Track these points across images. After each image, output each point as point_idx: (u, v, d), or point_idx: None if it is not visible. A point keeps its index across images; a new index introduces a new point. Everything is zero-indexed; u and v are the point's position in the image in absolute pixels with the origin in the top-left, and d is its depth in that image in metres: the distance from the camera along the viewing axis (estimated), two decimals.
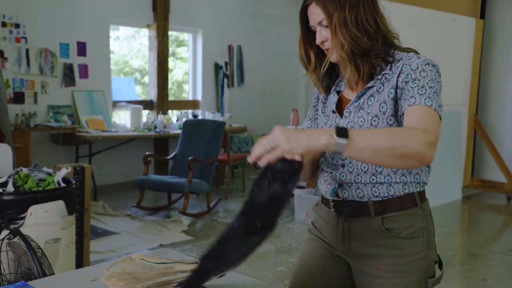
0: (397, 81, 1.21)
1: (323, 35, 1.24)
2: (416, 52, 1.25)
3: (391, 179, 1.24)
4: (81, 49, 5.78)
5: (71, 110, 5.69)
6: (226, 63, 7.27)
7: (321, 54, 1.30)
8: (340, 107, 1.33)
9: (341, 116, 1.30)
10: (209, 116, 6.67)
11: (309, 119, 1.45)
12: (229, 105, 7.40)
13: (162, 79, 6.57)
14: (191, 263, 1.50)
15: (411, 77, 1.19)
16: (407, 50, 1.27)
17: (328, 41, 1.24)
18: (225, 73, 7.25)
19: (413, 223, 1.25)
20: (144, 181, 4.96)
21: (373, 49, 1.22)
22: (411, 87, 1.18)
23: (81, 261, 2.95)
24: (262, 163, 1.01)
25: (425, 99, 1.14)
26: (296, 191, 5.01)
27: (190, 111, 6.87)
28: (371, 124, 1.23)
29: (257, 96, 7.77)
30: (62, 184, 2.48)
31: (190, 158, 4.90)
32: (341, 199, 1.31)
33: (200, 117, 6.64)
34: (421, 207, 1.27)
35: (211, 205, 5.27)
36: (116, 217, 4.82)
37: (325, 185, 1.36)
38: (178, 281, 1.35)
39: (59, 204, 2.40)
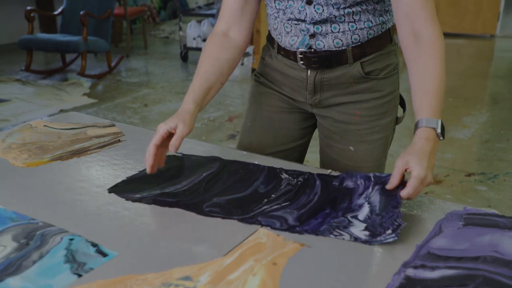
0: None
1: None
2: None
3: (371, 23, 1.06)
4: None
5: None
6: None
7: None
8: None
9: None
10: None
11: None
12: None
13: None
14: (106, 126, 1.28)
15: None
16: None
17: None
18: None
19: (389, 60, 1.12)
20: (30, 40, 4.35)
21: None
22: None
23: None
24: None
25: None
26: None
27: None
28: None
29: None
30: None
31: (82, 13, 4.32)
32: (312, 50, 1.08)
33: None
34: (394, 42, 1.14)
35: (112, 64, 4.85)
36: (3, 83, 4.27)
37: (288, 37, 1.09)
38: (95, 147, 1.15)
39: None
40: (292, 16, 1.06)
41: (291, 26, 1.08)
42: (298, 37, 1.08)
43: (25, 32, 4.76)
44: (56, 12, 4.82)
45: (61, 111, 3.66)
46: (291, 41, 1.10)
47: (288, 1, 1.06)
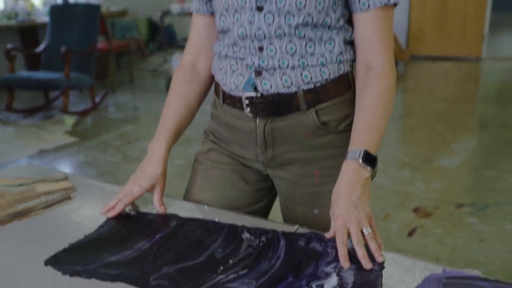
0: None
1: None
2: None
3: (326, 60, 0.97)
4: None
5: None
6: None
7: None
8: None
9: None
10: None
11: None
12: None
13: None
14: (58, 180, 1.19)
15: None
16: None
17: None
18: None
19: (349, 110, 1.01)
20: (10, 79, 4.28)
21: None
22: None
23: None
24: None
25: None
26: None
27: None
28: None
29: None
30: None
31: (63, 49, 4.27)
32: (259, 94, 0.98)
33: (71, 0, 5.77)
34: (353, 90, 1.02)
35: (97, 100, 4.78)
36: None
37: (233, 77, 0.99)
38: (41, 207, 1.05)
39: None
40: (238, 33, 0.97)
41: (238, 62, 1.00)
42: (243, 76, 0.99)
43: (5, 70, 4.69)
44: (38, 50, 4.78)
45: (41, 151, 3.57)
46: (236, 82, 1.00)
47: (234, 16, 0.97)
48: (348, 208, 0.87)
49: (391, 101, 0.96)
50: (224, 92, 1.05)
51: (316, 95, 0.98)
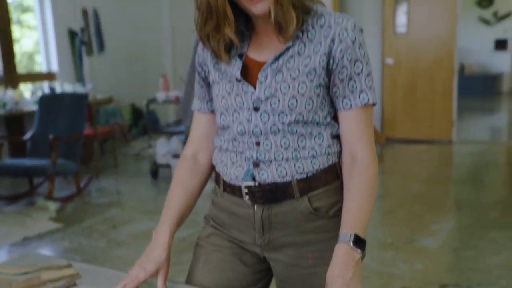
0: (330, 48, 1.05)
1: None
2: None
3: (316, 153, 1.10)
4: None
5: None
6: (82, 29, 6.61)
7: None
8: (246, 73, 1.09)
9: (252, 84, 1.07)
10: (68, 88, 6.05)
11: (197, 98, 1.23)
12: (91, 74, 6.80)
13: (6, 49, 5.75)
14: (62, 267, 1.24)
15: (352, 55, 1.05)
16: None
17: None
18: (82, 40, 6.60)
19: (337, 197, 1.13)
20: None
21: None
22: (355, 72, 1.05)
23: None
24: None
25: (365, 95, 1.07)
26: None
27: (46, 85, 6.15)
28: (298, 92, 1.05)
29: (120, 63, 7.24)
30: None
31: (51, 137, 4.38)
32: (256, 184, 1.11)
33: (58, 90, 5.98)
34: (341, 179, 1.15)
35: (81, 185, 4.82)
36: None
37: (233, 168, 1.12)
38: None
39: None
40: (238, 130, 1.10)
41: (237, 156, 1.12)
42: (242, 168, 1.11)
43: None
44: (25, 137, 4.88)
45: (25, 238, 3.55)
46: (236, 172, 1.12)
47: (233, 115, 1.10)
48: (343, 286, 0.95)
49: (375, 188, 1.09)
50: (224, 182, 1.16)
51: (308, 184, 1.09)
